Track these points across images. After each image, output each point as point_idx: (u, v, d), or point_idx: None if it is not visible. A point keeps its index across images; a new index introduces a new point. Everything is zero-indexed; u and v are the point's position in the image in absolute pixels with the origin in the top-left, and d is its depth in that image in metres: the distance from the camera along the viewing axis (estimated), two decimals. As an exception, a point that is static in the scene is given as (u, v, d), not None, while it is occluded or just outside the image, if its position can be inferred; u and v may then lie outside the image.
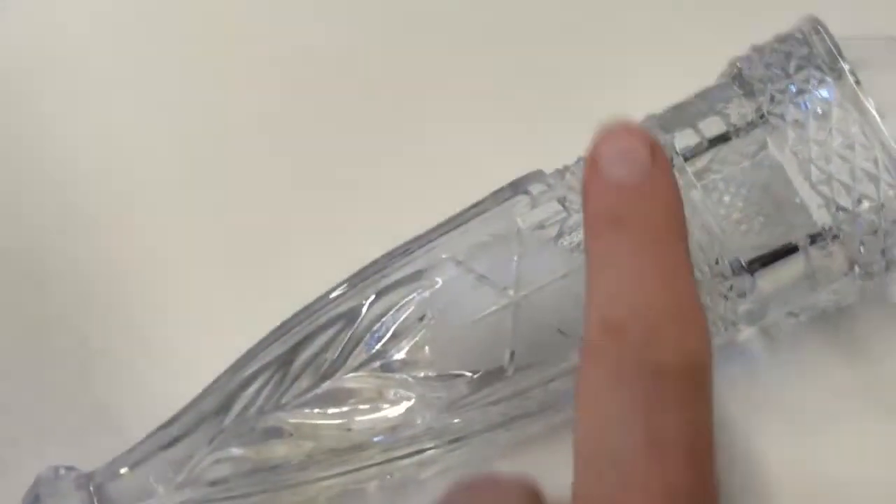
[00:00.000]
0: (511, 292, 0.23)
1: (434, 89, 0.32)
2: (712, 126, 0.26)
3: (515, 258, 0.24)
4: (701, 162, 0.26)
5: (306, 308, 0.24)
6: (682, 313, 0.20)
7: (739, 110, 0.25)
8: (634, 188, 0.21)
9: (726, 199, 0.27)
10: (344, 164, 0.31)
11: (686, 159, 0.26)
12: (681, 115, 0.26)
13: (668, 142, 0.26)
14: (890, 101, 0.25)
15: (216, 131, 0.32)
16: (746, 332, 0.27)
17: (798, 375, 0.28)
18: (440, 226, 0.25)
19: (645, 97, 0.27)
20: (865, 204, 0.23)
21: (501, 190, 0.25)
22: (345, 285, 0.25)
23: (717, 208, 0.27)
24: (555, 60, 0.32)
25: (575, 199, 0.25)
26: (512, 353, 0.23)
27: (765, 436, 0.27)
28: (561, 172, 0.26)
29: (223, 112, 0.32)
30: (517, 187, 0.25)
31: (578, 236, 0.24)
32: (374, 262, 0.25)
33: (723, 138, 0.26)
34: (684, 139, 0.26)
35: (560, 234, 0.24)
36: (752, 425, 0.27)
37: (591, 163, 0.22)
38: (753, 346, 0.28)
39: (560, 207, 0.25)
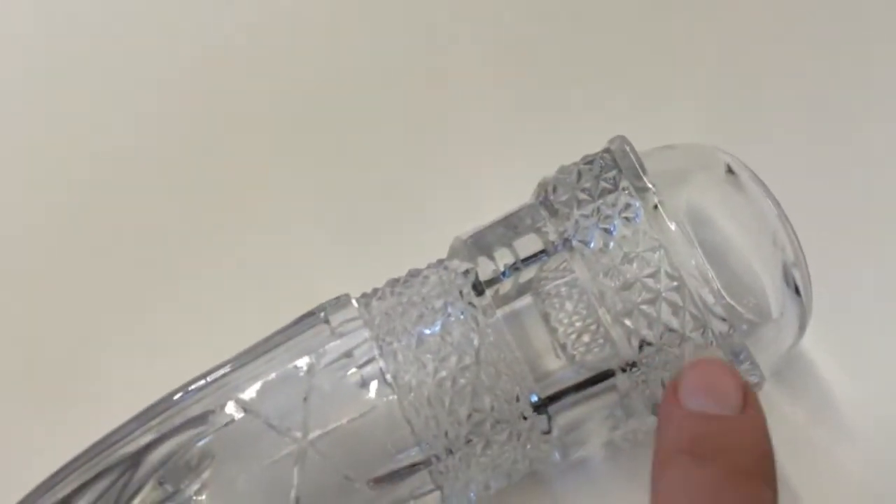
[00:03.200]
0: (298, 436, 0.22)
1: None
2: (530, 244, 0.25)
3: (304, 399, 0.22)
4: (528, 274, 0.25)
5: (86, 452, 0.23)
6: None
7: (554, 229, 0.24)
8: (722, 420, 0.20)
9: (569, 306, 0.26)
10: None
11: (505, 277, 0.25)
12: (494, 234, 0.25)
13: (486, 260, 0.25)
14: (703, 212, 0.25)
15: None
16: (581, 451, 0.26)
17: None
18: (235, 358, 0.24)
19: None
20: (670, 337, 0.23)
21: (300, 319, 0.24)
22: (132, 423, 0.23)
23: (558, 314, 0.26)
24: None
25: (382, 328, 0.23)
26: (297, 499, 0.22)
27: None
28: (367, 297, 0.24)
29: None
30: (315, 316, 0.24)
31: (373, 370, 0.23)
32: (162, 400, 0.23)
33: (543, 253, 0.25)
34: (503, 258, 0.25)
35: (356, 371, 0.23)
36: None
37: (673, 389, 0.20)
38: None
39: (362, 339, 0.23)
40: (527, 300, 0.26)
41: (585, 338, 0.26)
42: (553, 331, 0.26)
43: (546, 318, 0.26)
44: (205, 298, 0.30)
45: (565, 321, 0.26)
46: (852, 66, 0.32)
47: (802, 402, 0.28)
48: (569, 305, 0.26)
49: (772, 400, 0.27)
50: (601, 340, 0.24)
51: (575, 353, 0.26)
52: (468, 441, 0.22)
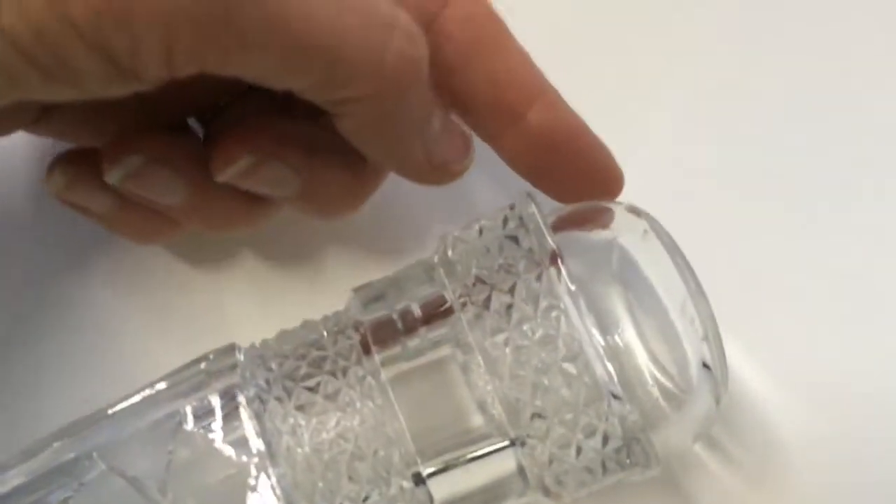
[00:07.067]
0: (158, 499, 0.21)
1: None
2: (433, 300, 0.24)
3: (168, 454, 0.21)
4: (438, 330, 0.24)
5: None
6: None
7: (452, 287, 0.23)
8: None
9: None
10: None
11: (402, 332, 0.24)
12: (391, 287, 0.24)
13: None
14: (623, 278, 0.23)
15: None
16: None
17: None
18: (103, 409, 0.22)
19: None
20: (561, 410, 0.21)
21: (184, 367, 0.23)
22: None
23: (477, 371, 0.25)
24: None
25: (261, 384, 0.22)
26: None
27: None
28: (254, 348, 0.23)
29: None
30: (196, 366, 0.23)
31: (245, 430, 0.21)
32: (27, 449, 0.22)
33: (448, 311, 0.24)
34: (400, 312, 0.24)
35: (227, 429, 0.22)
36: None
37: None
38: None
39: (239, 394, 0.22)
40: (441, 354, 0.25)
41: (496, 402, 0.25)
42: (473, 387, 0.25)
43: (467, 373, 0.25)
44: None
45: (481, 381, 0.25)
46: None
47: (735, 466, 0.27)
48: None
49: (702, 461, 0.27)
50: (498, 407, 0.22)
51: (494, 412, 0.25)
52: (341, 510, 0.21)
